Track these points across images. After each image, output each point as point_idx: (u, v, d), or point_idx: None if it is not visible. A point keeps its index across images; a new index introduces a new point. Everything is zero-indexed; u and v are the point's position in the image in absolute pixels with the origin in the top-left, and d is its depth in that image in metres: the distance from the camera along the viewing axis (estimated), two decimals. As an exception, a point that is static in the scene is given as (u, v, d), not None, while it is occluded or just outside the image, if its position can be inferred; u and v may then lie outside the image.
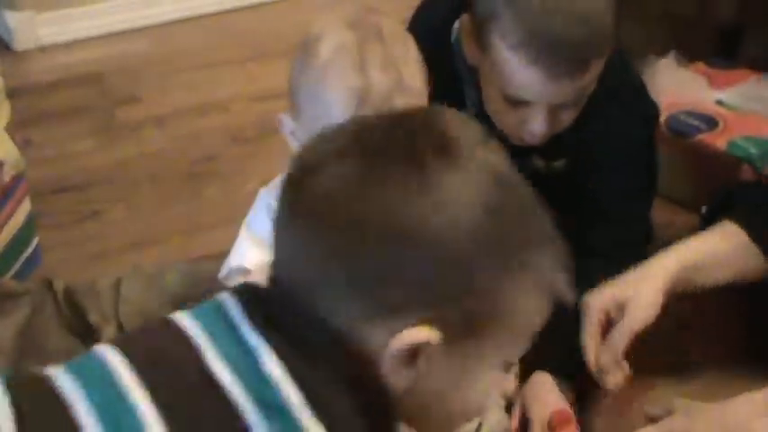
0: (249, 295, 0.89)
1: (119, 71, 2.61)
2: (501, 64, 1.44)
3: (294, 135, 1.34)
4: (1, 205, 1.82)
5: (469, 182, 0.83)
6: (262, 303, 0.87)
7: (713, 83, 2.10)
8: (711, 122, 1.99)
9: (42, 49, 2.68)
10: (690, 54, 2.15)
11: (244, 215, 1.41)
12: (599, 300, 1.40)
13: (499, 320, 0.85)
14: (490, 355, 0.87)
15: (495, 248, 0.83)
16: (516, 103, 1.46)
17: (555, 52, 1.39)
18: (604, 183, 1.59)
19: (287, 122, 1.34)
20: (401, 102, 1.24)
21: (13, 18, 2.60)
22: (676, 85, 2.05)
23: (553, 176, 1.62)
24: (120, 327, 1.70)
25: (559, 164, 1.62)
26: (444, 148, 0.84)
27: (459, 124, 0.88)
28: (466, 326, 0.84)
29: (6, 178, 1.83)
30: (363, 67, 1.25)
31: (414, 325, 0.82)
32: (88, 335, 1.73)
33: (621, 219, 1.60)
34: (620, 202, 1.59)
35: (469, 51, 1.52)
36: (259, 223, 1.38)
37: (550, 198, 1.64)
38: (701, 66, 2.14)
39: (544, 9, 1.39)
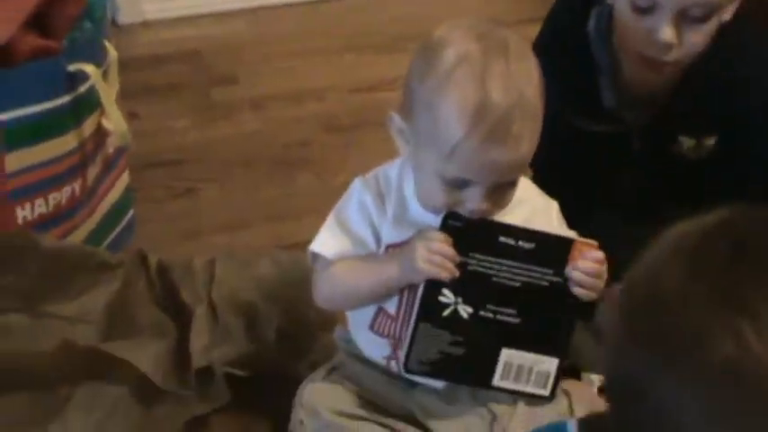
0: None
1: (217, 51, 2.63)
2: None
3: (402, 134, 1.32)
4: (103, 176, 1.85)
5: None
6: None
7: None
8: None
9: (145, 24, 2.71)
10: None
11: (334, 205, 1.41)
12: None
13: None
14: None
15: None
16: (643, 10, 1.50)
17: None
18: (758, 153, 1.62)
19: (396, 121, 1.32)
20: (519, 123, 1.22)
21: (119, -8, 2.64)
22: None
23: (698, 163, 1.65)
24: (211, 307, 1.72)
25: (710, 141, 1.64)
26: None
27: None
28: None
29: (110, 150, 1.85)
30: (484, 83, 1.22)
31: None
32: (179, 312, 1.74)
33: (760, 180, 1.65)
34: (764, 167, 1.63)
35: None
36: (349, 214, 1.39)
37: (692, 186, 1.65)
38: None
39: None
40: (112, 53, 1.76)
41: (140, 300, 1.77)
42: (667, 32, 1.49)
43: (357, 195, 1.39)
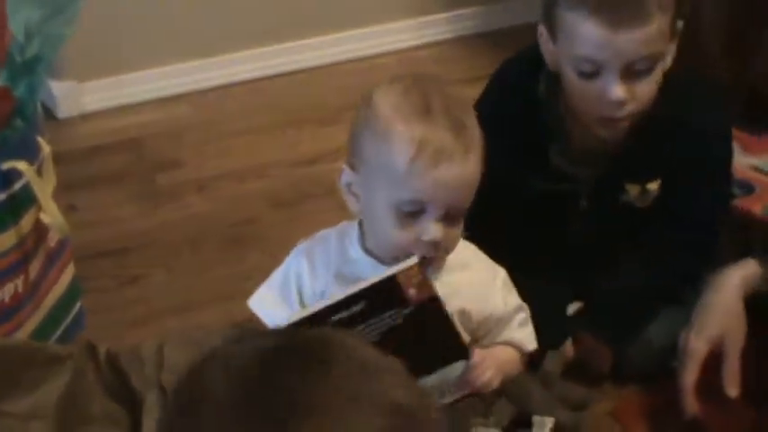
0: None
1: (159, 137, 2.65)
2: (567, 30, 1.55)
3: (350, 188, 1.39)
4: (47, 270, 1.85)
5: None
6: None
7: (747, 149, 2.11)
8: (747, 188, 2.00)
9: (84, 117, 2.72)
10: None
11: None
12: (701, 346, 1.61)
13: None
14: None
15: None
16: (589, 74, 1.55)
17: (611, 1, 1.50)
18: (692, 195, 1.70)
19: (346, 174, 1.39)
20: (464, 142, 1.31)
21: (57, 87, 2.64)
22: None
23: (641, 210, 1.71)
24: (163, 392, 1.72)
25: (653, 186, 1.68)
26: None
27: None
28: None
29: (52, 243, 1.86)
30: (428, 111, 1.31)
31: None
32: (131, 400, 1.74)
33: (701, 225, 1.73)
34: (703, 212, 1.72)
35: (547, 54, 1.62)
36: (282, 279, 1.53)
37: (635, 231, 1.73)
38: (735, 132, 2.15)
39: None
40: (46, 148, 1.77)
41: (91, 391, 1.76)
42: (618, 91, 1.55)
43: (295, 264, 1.51)
